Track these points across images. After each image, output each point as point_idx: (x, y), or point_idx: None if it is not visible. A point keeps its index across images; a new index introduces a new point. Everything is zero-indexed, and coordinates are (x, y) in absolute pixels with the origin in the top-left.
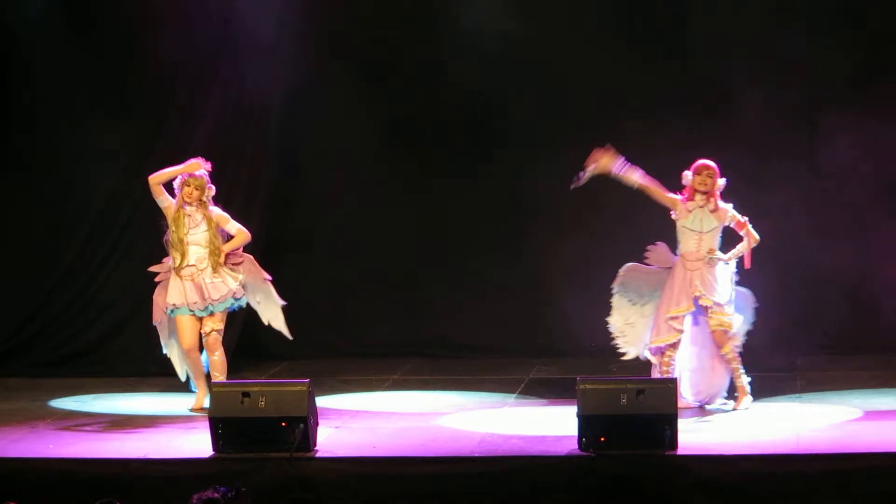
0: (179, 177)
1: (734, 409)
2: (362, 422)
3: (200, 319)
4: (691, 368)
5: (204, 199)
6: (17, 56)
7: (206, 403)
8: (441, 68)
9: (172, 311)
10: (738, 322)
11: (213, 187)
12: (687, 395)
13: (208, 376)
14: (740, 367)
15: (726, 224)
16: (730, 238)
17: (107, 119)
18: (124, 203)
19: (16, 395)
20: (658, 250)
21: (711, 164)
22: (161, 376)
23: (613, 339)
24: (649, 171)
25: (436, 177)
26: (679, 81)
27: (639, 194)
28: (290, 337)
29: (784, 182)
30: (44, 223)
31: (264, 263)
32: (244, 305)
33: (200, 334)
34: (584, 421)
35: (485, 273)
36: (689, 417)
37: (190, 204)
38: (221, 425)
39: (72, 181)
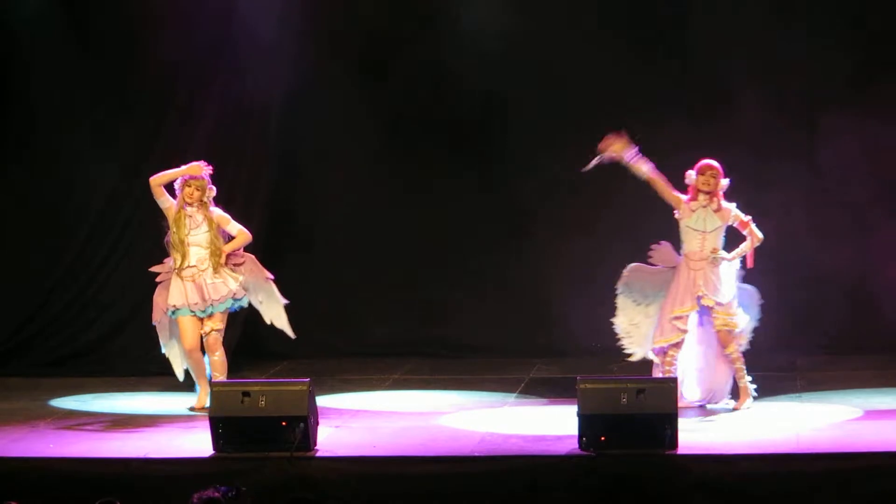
0: (180, 178)
1: (735, 410)
2: (362, 421)
3: (202, 320)
4: (698, 368)
5: (205, 199)
6: (17, 56)
7: (208, 403)
8: (441, 68)
9: (174, 313)
10: (744, 321)
11: (214, 188)
12: (694, 394)
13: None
14: (744, 367)
15: (730, 223)
16: (734, 237)
17: (107, 119)
18: (124, 203)
19: (16, 395)
20: (662, 249)
21: (715, 164)
22: (161, 376)
23: (618, 339)
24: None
25: (436, 177)
26: (679, 81)
27: (639, 195)
28: (292, 336)
29: (784, 182)
30: (44, 223)
31: (264, 263)
32: (245, 306)
33: (201, 334)
34: (585, 420)
35: (485, 273)
36: (690, 417)
37: (191, 205)
38: (222, 425)
39: (72, 181)
